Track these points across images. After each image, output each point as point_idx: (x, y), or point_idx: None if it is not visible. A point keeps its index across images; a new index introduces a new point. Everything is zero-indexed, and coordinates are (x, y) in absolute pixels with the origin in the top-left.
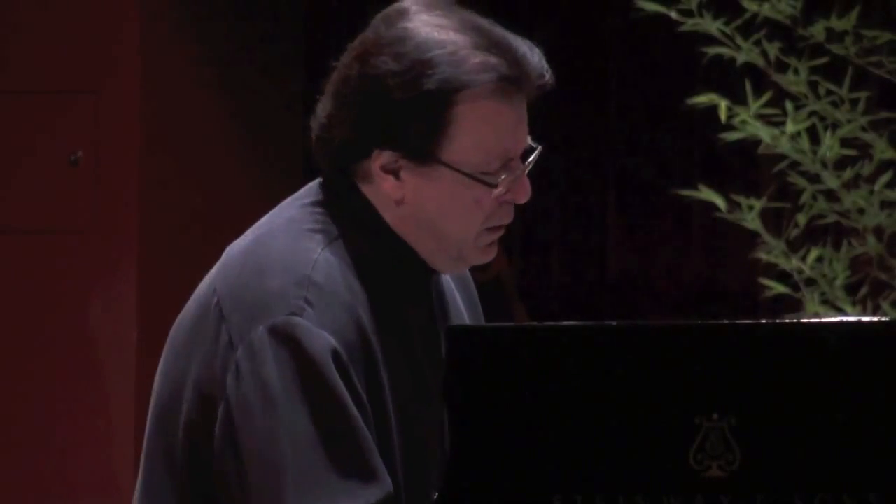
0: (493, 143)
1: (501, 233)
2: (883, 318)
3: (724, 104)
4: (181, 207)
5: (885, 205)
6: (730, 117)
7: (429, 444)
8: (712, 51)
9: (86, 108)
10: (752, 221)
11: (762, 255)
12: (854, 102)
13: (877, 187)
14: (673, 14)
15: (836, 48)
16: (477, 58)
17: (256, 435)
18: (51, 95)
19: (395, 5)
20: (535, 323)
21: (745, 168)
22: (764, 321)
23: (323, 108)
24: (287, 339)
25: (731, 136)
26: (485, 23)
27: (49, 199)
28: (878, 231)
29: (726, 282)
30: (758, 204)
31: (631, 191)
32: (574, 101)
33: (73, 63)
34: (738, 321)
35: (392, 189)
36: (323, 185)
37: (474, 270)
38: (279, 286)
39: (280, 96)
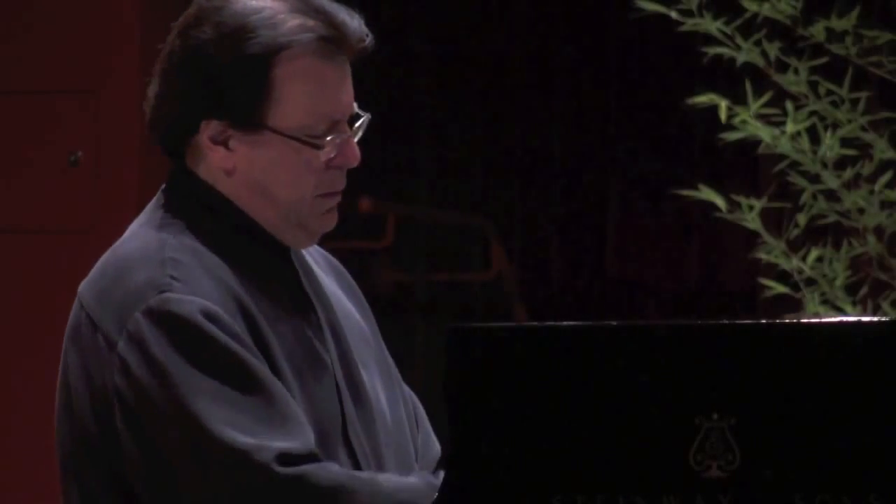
0: (316, 104)
1: (338, 200)
2: (883, 318)
3: (724, 104)
4: None
5: (885, 205)
6: (730, 117)
7: (328, 411)
8: (712, 51)
9: (86, 108)
10: (752, 221)
11: (762, 255)
12: (854, 102)
13: (877, 187)
14: (673, 14)
15: (836, 48)
16: (295, 20)
17: (164, 413)
18: (51, 95)
19: None
20: (535, 323)
21: (745, 168)
22: (764, 321)
23: (151, 89)
24: (162, 314)
25: (731, 136)
26: None
27: (49, 199)
28: (878, 231)
29: (726, 282)
30: (758, 204)
31: (631, 191)
32: (574, 100)
33: (73, 63)
34: (738, 321)
35: (222, 160)
36: (165, 186)
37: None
38: (142, 277)
39: None
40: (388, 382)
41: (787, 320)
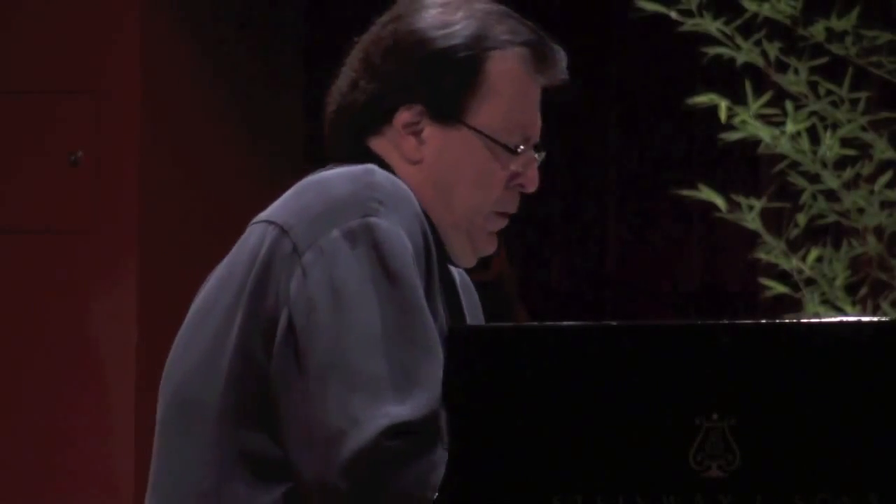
0: (517, 113)
1: (506, 223)
2: (883, 318)
3: (724, 104)
4: (181, 207)
5: (885, 205)
6: (730, 117)
7: None
8: (712, 51)
9: (86, 108)
10: (752, 221)
11: (762, 255)
12: (854, 102)
13: (877, 187)
14: (673, 14)
15: (836, 48)
16: (511, 24)
17: (321, 332)
18: (51, 95)
19: None
20: (535, 323)
21: (745, 168)
22: (764, 321)
23: (345, 77)
24: (365, 240)
25: (731, 136)
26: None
27: (49, 199)
28: (878, 231)
29: (726, 282)
30: (758, 204)
31: (631, 191)
32: (574, 101)
33: (73, 63)
34: (738, 321)
35: (412, 149)
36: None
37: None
38: (349, 192)
39: (280, 96)
40: None
41: (787, 320)
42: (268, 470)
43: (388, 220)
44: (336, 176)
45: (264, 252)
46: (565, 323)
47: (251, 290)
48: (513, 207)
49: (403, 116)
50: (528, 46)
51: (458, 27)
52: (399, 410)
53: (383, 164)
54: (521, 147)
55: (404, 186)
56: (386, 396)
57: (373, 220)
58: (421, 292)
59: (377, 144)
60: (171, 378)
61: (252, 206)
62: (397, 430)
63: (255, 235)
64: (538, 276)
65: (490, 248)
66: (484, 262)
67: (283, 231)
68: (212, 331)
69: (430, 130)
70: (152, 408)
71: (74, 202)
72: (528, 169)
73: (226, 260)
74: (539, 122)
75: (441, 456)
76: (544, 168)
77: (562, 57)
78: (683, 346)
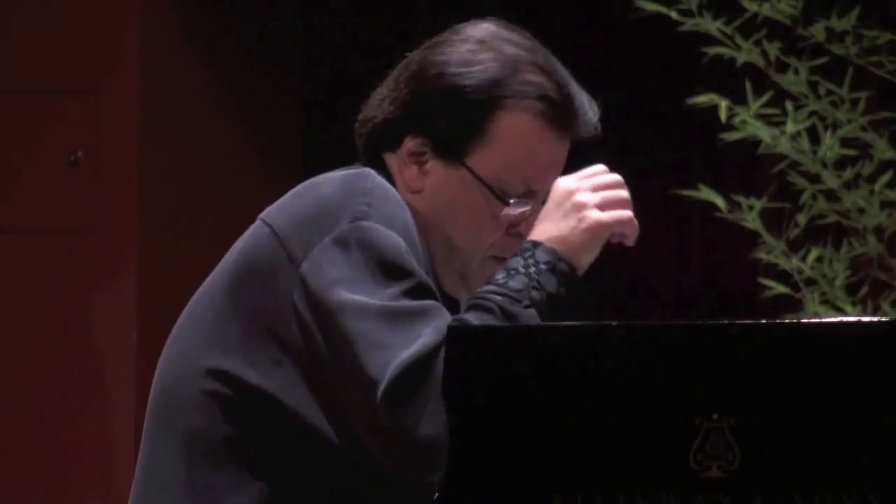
0: (519, 165)
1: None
2: (883, 318)
3: (724, 104)
4: (181, 207)
5: (885, 205)
6: (730, 117)
7: None
8: (712, 51)
9: (86, 108)
10: (752, 221)
11: (762, 255)
12: (854, 102)
13: (877, 187)
14: (673, 14)
15: (836, 48)
16: (535, 76)
17: (332, 320)
18: (51, 95)
19: (477, 20)
20: (535, 323)
21: (745, 168)
22: (764, 321)
23: (380, 91)
24: (356, 242)
25: (731, 136)
26: (556, 61)
27: (49, 199)
28: (878, 231)
29: (726, 282)
30: (758, 204)
31: (630, 190)
32: None
33: (73, 63)
34: (738, 321)
35: (413, 178)
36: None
37: None
38: (339, 196)
39: (280, 96)
40: None
41: (787, 320)
42: (238, 467)
43: (376, 221)
44: (332, 179)
45: (260, 259)
46: (565, 323)
47: (244, 297)
48: (510, 253)
49: (410, 145)
50: (546, 101)
51: (477, 68)
52: (424, 341)
53: (391, 181)
54: (514, 200)
55: (396, 195)
56: (397, 347)
57: (362, 223)
58: (421, 272)
59: (390, 160)
60: (159, 371)
61: (251, 205)
62: (426, 355)
63: (252, 235)
64: None
65: None
66: None
67: (279, 238)
68: (198, 327)
69: (433, 164)
70: None
71: (74, 202)
72: (530, 220)
73: (225, 256)
74: (549, 177)
75: None
76: None
77: (586, 111)
78: (683, 346)
